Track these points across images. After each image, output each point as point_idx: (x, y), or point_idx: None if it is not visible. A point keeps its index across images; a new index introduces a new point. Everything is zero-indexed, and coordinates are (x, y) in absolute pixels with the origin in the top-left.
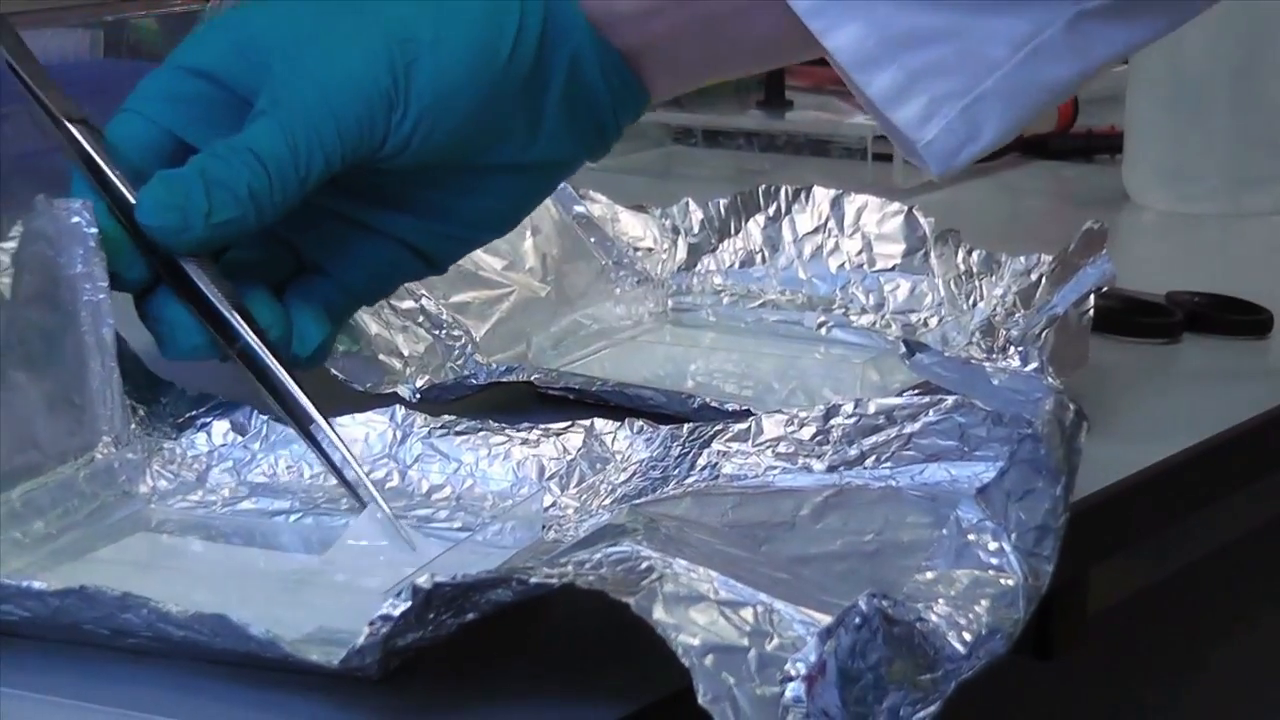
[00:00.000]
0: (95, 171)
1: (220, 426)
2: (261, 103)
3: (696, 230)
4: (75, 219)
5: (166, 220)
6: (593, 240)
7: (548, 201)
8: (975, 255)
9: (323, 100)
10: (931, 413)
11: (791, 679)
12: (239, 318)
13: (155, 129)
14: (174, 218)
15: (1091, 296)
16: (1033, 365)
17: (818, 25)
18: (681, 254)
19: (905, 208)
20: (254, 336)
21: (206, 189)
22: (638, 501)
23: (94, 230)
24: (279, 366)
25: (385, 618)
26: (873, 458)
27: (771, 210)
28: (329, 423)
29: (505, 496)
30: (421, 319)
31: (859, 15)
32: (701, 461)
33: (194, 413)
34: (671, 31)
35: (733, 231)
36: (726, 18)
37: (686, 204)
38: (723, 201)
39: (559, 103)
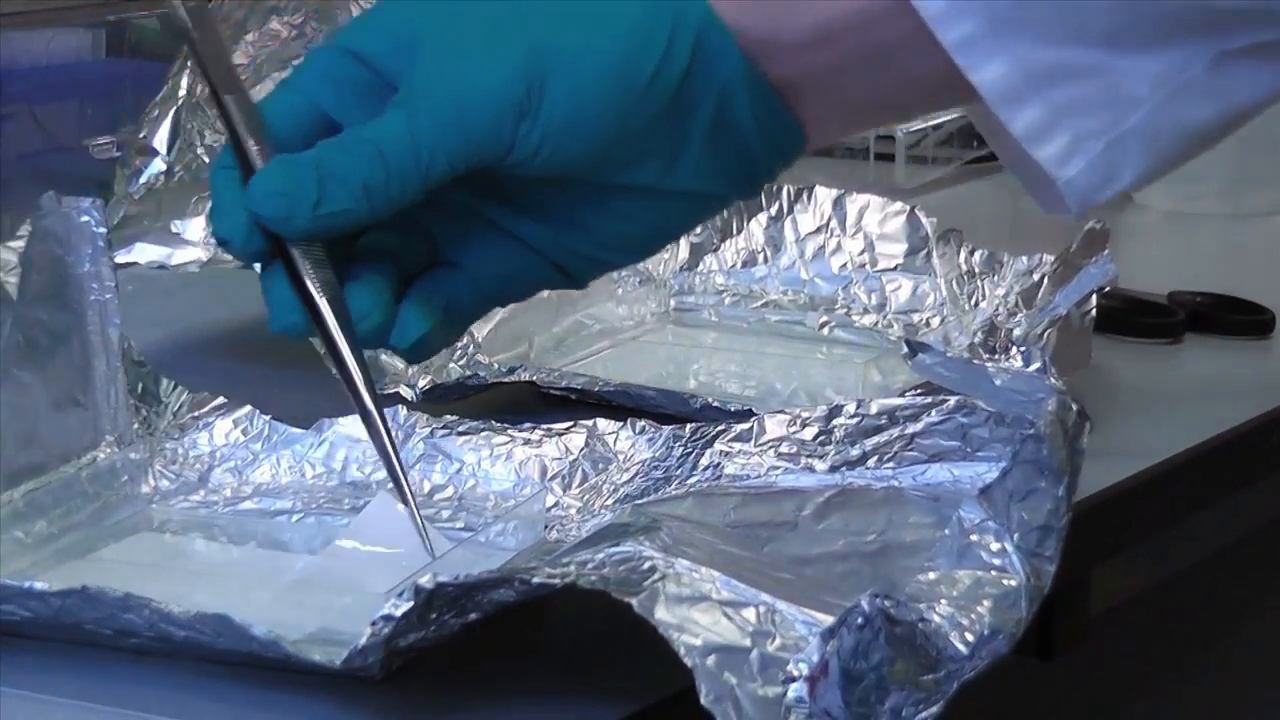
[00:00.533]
0: (236, 144)
1: (223, 426)
2: (398, 95)
3: (698, 230)
4: (84, 218)
5: (273, 208)
6: None
7: None
8: (977, 255)
9: (453, 102)
10: (934, 413)
11: (794, 679)
12: (327, 304)
13: (308, 105)
14: (281, 206)
15: (1094, 297)
16: (1035, 365)
17: (965, 61)
18: (684, 254)
19: (907, 208)
20: (336, 326)
21: (319, 180)
22: (640, 502)
23: (103, 230)
24: (352, 359)
25: (387, 618)
26: (875, 458)
27: (774, 210)
28: (385, 422)
29: (507, 497)
30: None
31: (1004, 50)
32: (704, 462)
33: (197, 413)
34: (835, 65)
35: (735, 231)
36: (891, 52)
37: None
38: None
39: (704, 134)
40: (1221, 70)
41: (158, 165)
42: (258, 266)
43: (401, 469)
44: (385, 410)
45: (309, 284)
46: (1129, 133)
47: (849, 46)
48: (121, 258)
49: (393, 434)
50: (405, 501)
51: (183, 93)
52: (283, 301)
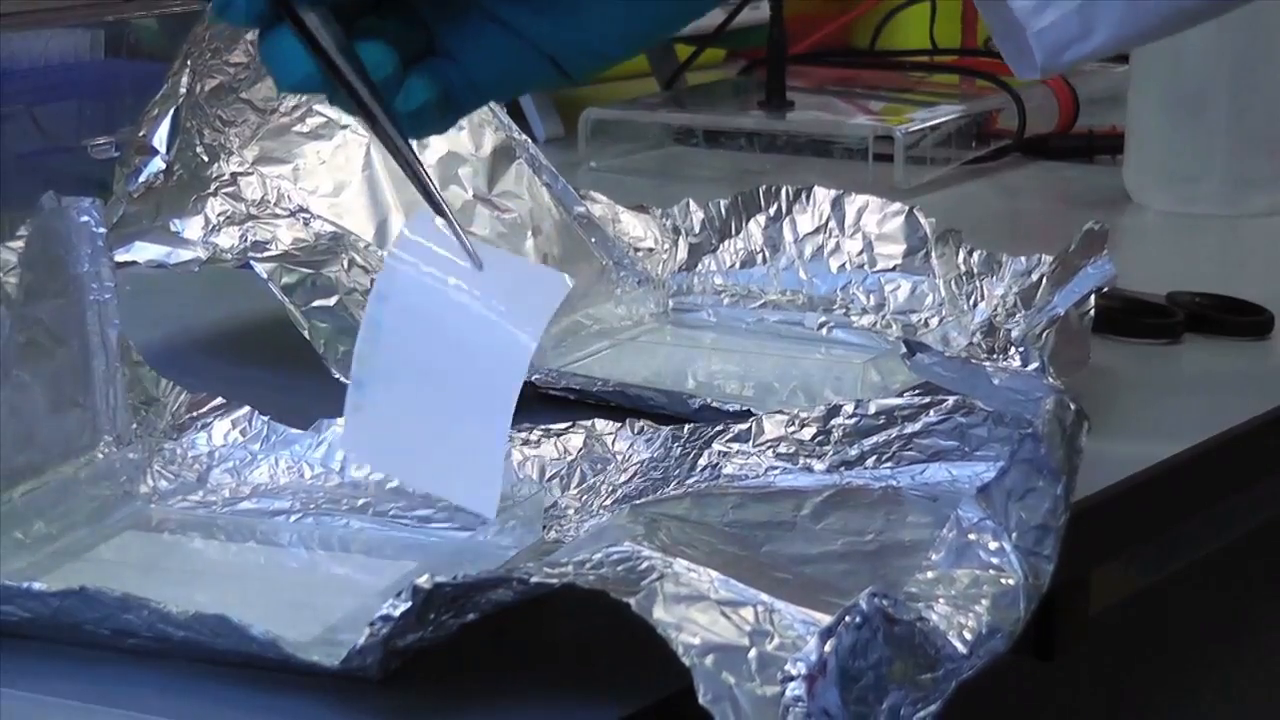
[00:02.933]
0: None
1: (221, 427)
2: None
3: (697, 231)
4: (84, 218)
5: None
6: (594, 240)
7: (549, 201)
8: (976, 256)
9: None
10: (932, 413)
11: (792, 678)
12: (342, 56)
13: None
14: None
15: (1092, 297)
16: (1033, 365)
17: None
18: (682, 254)
19: (906, 208)
20: (354, 73)
21: None
22: (638, 502)
23: (102, 230)
24: (371, 98)
25: (386, 618)
26: (873, 458)
27: (772, 211)
28: (411, 147)
29: (506, 497)
30: None
31: None
32: (702, 462)
33: (195, 413)
34: None
35: (733, 232)
36: None
37: (687, 204)
38: (723, 202)
39: None
40: None
41: (157, 164)
42: (255, 34)
43: (434, 186)
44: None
45: (320, 37)
46: None
47: None
48: (120, 256)
49: (417, 155)
50: (442, 214)
51: (183, 91)
52: (293, 56)
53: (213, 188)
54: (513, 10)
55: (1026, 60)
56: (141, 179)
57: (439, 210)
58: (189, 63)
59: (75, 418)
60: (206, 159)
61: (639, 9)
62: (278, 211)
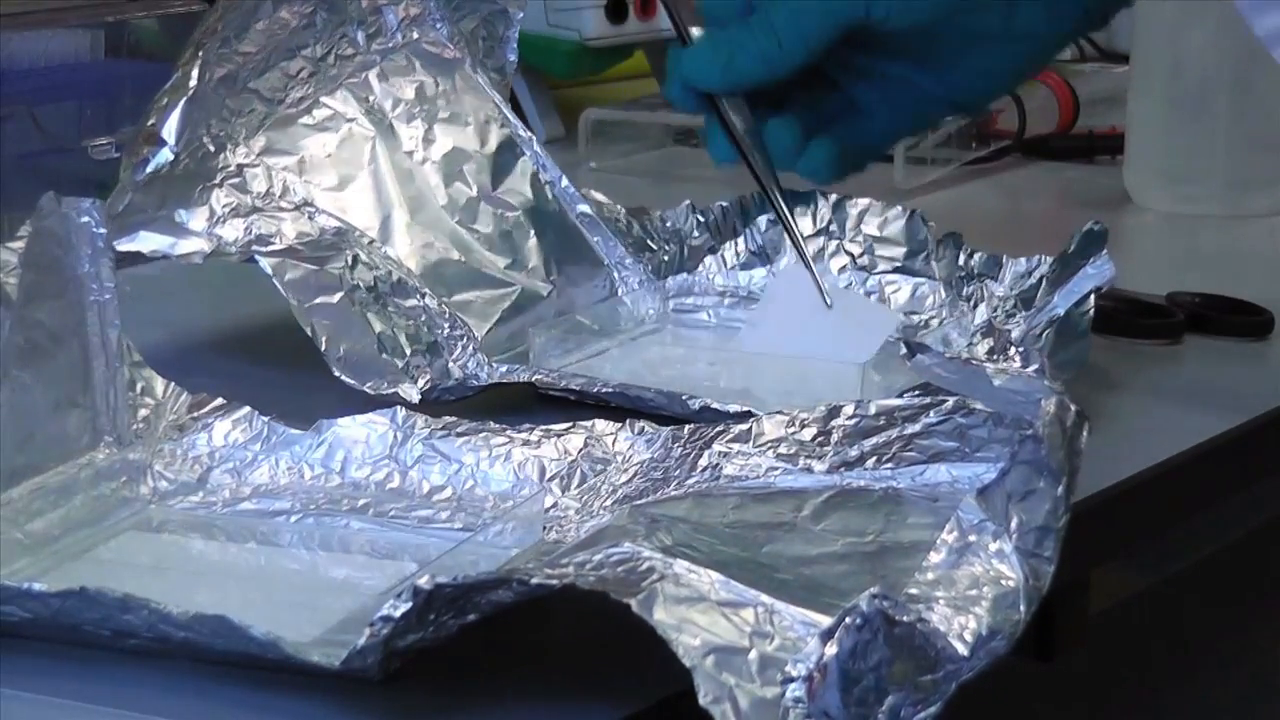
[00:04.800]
0: (676, 29)
1: (221, 428)
2: None
3: (698, 232)
4: (84, 218)
5: (694, 73)
6: (596, 240)
7: (551, 201)
8: (976, 257)
9: None
10: (932, 414)
11: (792, 680)
12: (745, 136)
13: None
14: (699, 71)
15: (1092, 297)
16: (1033, 366)
17: None
18: (683, 255)
19: (907, 211)
20: (753, 150)
21: (729, 50)
22: (639, 502)
23: (102, 230)
24: (765, 173)
25: (386, 619)
26: (874, 459)
27: (772, 212)
28: (791, 213)
29: (506, 497)
30: (424, 318)
31: None
32: (702, 462)
33: (195, 414)
34: None
35: (734, 233)
36: None
37: (688, 205)
38: (724, 203)
39: None
40: None
41: (165, 155)
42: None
43: (802, 243)
44: (384, 410)
45: (732, 125)
46: None
47: None
48: (124, 246)
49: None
50: (807, 267)
51: (192, 83)
52: (715, 140)
53: (218, 178)
54: (904, 69)
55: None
56: (149, 169)
57: (805, 264)
58: (200, 53)
59: (75, 418)
60: (213, 149)
61: (1016, 50)
62: (283, 205)
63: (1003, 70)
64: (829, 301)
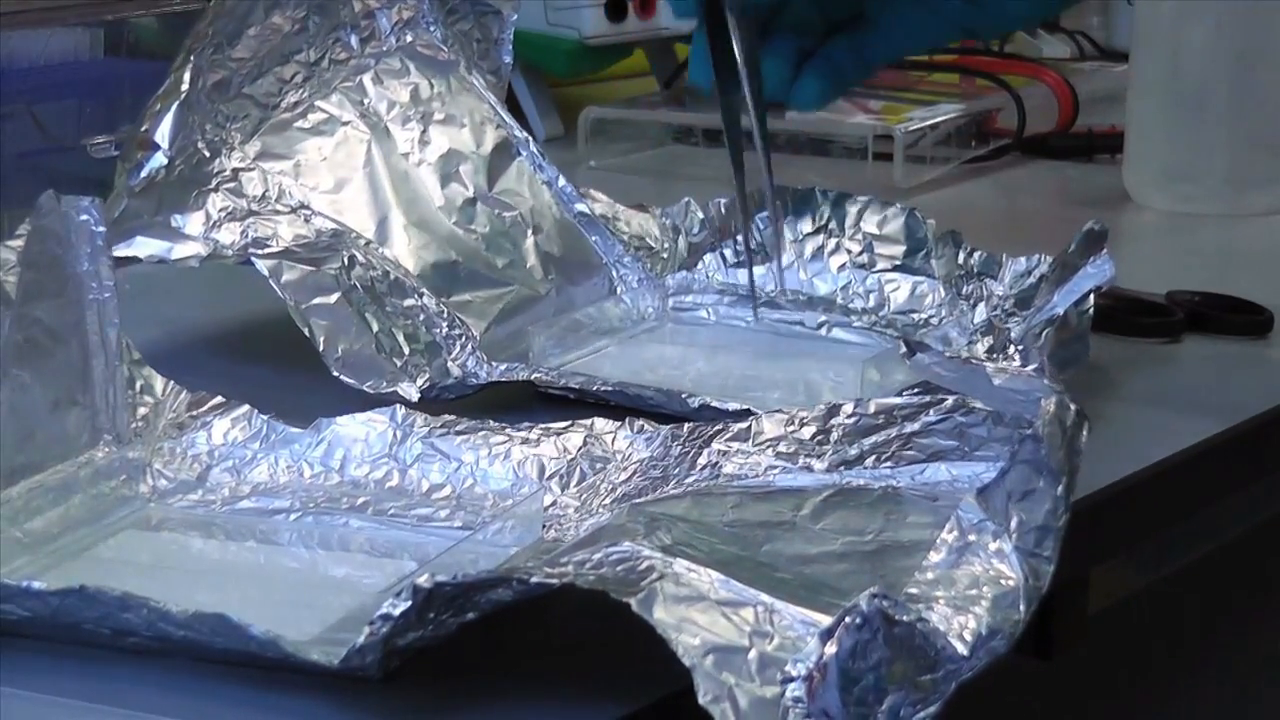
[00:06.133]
0: None
1: (221, 426)
2: None
3: (697, 230)
4: (83, 217)
5: None
6: (594, 239)
7: (549, 200)
8: (976, 255)
9: None
10: (932, 412)
11: (792, 679)
12: (747, 69)
13: None
14: None
15: (1092, 296)
16: (1033, 365)
17: None
18: (682, 254)
19: (906, 209)
20: (749, 82)
21: None
22: (638, 501)
23: (101, 229)
24: (755, 113)
25: (385, 617)
26: (873, 457)
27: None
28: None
29: (505, 496)
30: (422, 318)
31: None
32: (702, 461)
33: (195, 412)
34: None
35: (733, 231)
36: None
37: (687, 203)
38: (723, 201)
39: None
40: None
41: (159, 159)
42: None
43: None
44: (384, 409)
45: (735, 47)
46: None
47: None
48: (120, 251)
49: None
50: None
51: (185, 87)
52: (698, 61)
53: (214, 183)
54: None
55: None
56: (144, 174)
57: (773, 215)
58: (192, 58)
59: (75, 417)
60: (208, 154)
61: None
62: (279, 208)
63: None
64: (755, 301)
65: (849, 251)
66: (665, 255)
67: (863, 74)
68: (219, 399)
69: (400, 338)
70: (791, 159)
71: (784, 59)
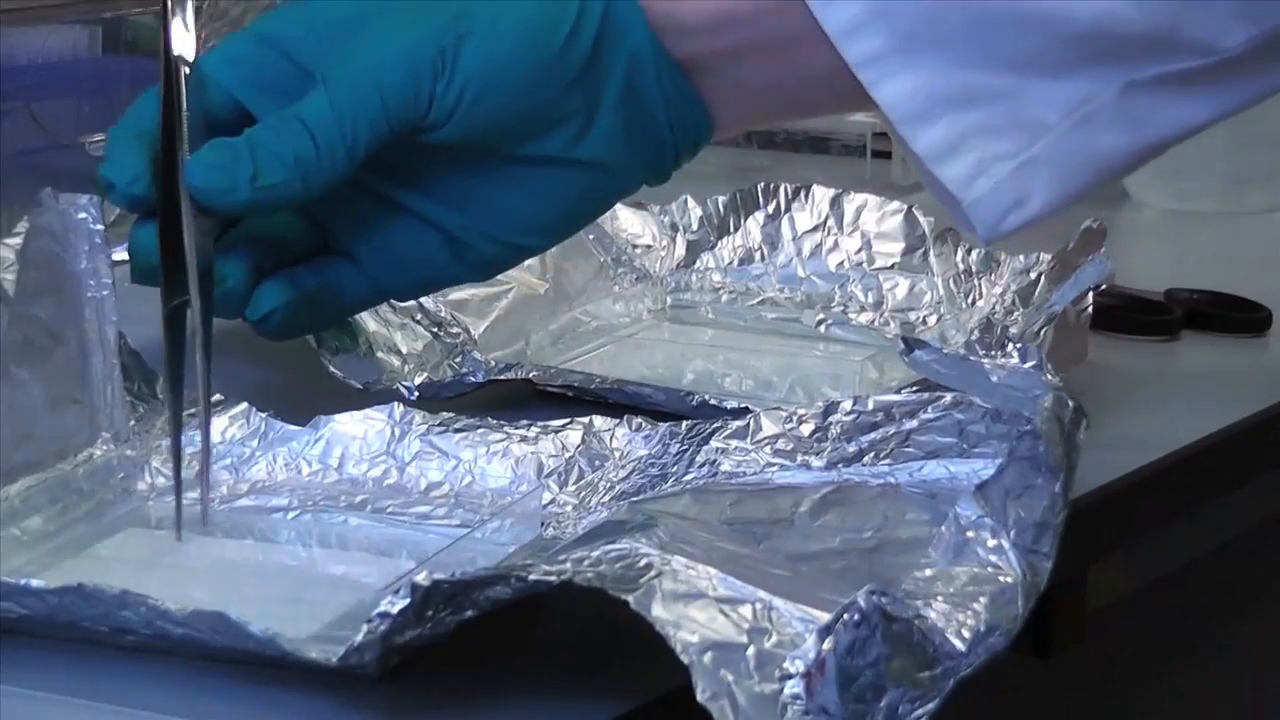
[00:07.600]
0: (168, 118)
1: (219, 423)
2: (317, 76)
3: (695, 228)
4: (81, 214)
5: (213, 181)
6: (591, 237)
7: None
8: (974, 254)
9: (370, 71)
10: (930, 410)
11: (790, 676)
12: (194, 267)
13: (219, 91)
14: (220, 179)
15: (1090, 294)
16: (1031, 363)
17: (868, 76)
18: (680, 251)
19: (905, 207)
20: (196, 293)
21: (254, 154)
22: (636, 499)
23: (100, 227)
24: (201, 341)
25: (384, 615)
26: (871, 455)
27: (771, 208)
28: (209, 417)
29: (504, 494)
30: (420, 316)
31: (910, 69)
32: (700, 458)
33: (193, 410)
34: (734, 50)
35: (732, 229)
36: (789, 45)
37: (685, 201)
38: (722, 199)
39: (614, 103)
40: (1130, 100)
41: None
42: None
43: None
44: (382, 406)
45: (187, 246)
46: (1037, 159)
47: (747, 35)
48: (119, 254)
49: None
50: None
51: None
52: (147, 252)
53: None
54: (420, 200)
55: (970, 226)
56: None
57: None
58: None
59: (73, 415)
60: None
61: (546, 196)
62: None
63: (544, 211)
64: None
65: (847, 249)
66: (663, 253)
67: (342, 313)
68: (217, 397)
69: (398, 337)
70: (790, 156)
71: (238, 268)
